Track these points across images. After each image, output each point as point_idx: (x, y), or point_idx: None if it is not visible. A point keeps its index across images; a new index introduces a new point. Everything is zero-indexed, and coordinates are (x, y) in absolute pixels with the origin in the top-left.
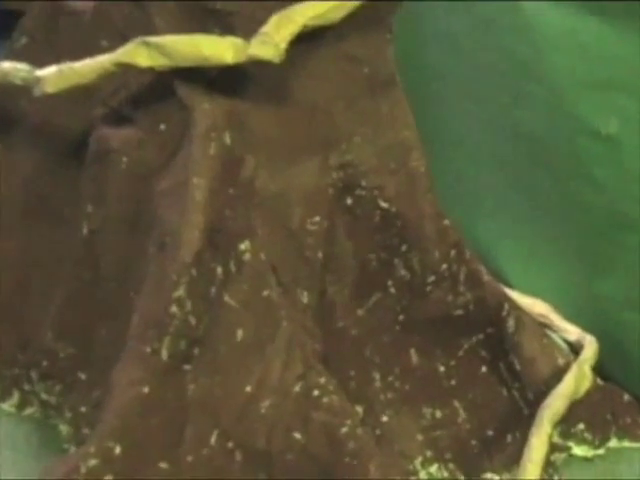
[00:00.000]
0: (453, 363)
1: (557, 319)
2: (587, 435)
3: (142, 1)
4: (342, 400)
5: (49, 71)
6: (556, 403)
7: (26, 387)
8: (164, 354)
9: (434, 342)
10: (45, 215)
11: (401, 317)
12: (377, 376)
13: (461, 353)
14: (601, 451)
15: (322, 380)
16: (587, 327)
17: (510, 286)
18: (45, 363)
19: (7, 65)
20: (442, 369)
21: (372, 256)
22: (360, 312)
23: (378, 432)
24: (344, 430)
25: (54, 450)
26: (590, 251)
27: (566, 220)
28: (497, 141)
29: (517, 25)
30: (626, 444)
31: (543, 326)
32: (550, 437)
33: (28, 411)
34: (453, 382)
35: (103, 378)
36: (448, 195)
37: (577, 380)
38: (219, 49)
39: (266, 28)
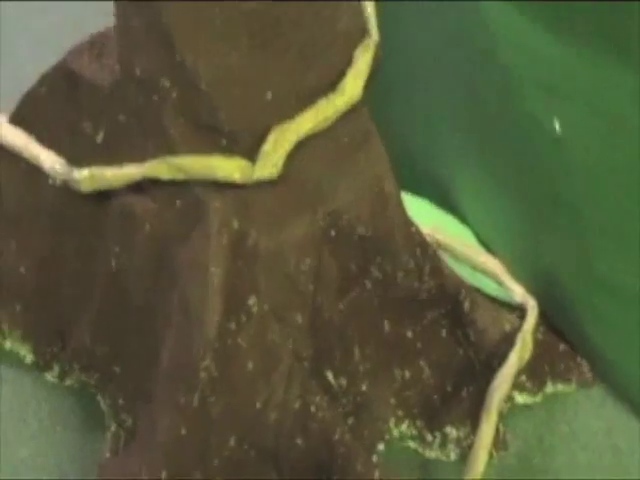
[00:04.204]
0: (419, 329)
1: (507, 278)
2: (527, 384)
3: (153, 98)
4: (333, 413)
5: (84, 174)
6: (503, 387)
7: (66, 367)
8: (195, 402)
9: (403, 314)
10: (71, 232)
11: (376, 302)
12: (357, 350)
13: (425, 322)
14: (539, 398)
15: (317, 399)
16: (535, 284)
17: (468, 224)
18: (84, 358)
19: (47, 163)
20: (410, 334)
21: (352, 264)
22: (341, 305)
23: (359, 400)
24: (336, 437)
25: (97, 424)
26: (537, 219)
27: (516, 189)
28: (459, 107)
29: (474, 19)
30: (559, 388)
31: (495, 282)
32: (498, 421)
33: (68, 382)
34: (419, 345)
35: (135, 374)
36: (416, 134)
37: (521, 355)
38: (228, 169)
39: (266, 147)
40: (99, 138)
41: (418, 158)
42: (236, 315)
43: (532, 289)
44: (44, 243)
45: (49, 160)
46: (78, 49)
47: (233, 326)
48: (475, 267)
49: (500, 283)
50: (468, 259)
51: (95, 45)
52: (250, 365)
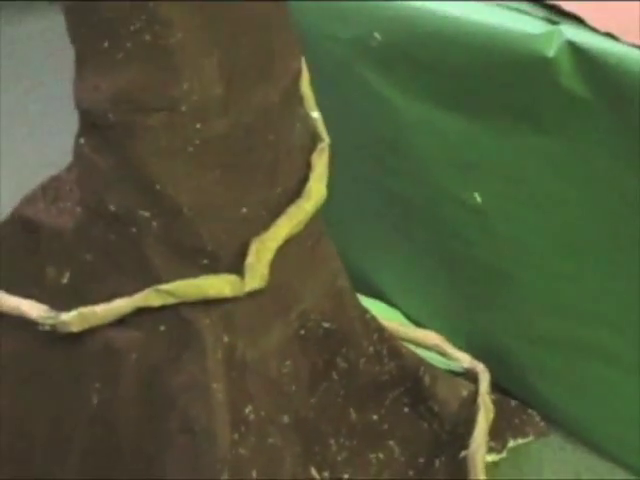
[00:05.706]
0: (383, 411)
1: (449, 348)
2: (492, 444)
3: (131, 231)
4: None
5: (72, 315)
6: (482, 449)
7: None
8: None
9: (366, 399)
10: (41, 385)
11: (342, 392)
12: (332, 441)
13: (387, 402)
14: (504, 454)
15: None
16: (475, 349)
17: (403, 312)
18: None
19: (35, 313)
20: (375, 417)
21: (319, 359)
22: (313, 400)
23: None
24: None
25: None
26: (468, 291)
27: (444, 267)
28: (376, 200)
29: (381, 110)
30: (520, 441)
31: (439, 354)
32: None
33: None
34: (385, 426)
35: None
36: (338, 231)
37: (487, 418)
38: (219, 287)
39: (250, 259)
40: (64, 279)
41: (341, 254)
42: (237, 426)
43: (472, 355)
44: (13, 401)
45: (33, 309)
46: (31, 197)
47: (236, 437)
48: (417, 343)
49: (443, 354)
50: (408, 337)
51: (48, 191)
52: (254, 474)
